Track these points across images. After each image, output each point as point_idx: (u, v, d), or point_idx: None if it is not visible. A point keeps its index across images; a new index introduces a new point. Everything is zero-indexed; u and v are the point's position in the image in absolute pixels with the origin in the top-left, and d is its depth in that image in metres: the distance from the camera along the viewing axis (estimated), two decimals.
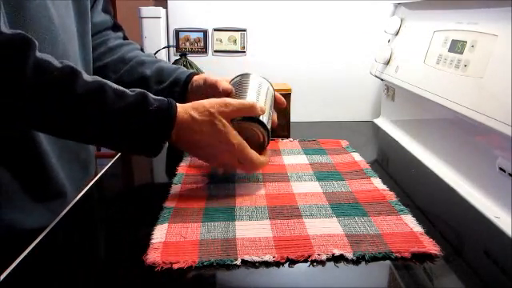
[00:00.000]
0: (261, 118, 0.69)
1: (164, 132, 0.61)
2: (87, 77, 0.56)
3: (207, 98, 0.68)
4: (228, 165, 0.68)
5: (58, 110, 0.55)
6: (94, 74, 0.83)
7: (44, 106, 0.54)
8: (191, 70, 0.84)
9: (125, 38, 0.90)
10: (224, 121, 0.63)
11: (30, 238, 0.56)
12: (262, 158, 0.68)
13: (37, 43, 0.54)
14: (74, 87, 0.54)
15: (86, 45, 0.76)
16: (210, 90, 0.78)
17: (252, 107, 0.67)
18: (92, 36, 0.81)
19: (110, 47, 0.85)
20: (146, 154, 0.63)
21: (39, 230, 0.58)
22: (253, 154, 0.66)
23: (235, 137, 0.64)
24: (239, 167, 0.69)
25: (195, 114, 0.62)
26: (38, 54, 0.53)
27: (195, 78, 0.81)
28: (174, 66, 0.85)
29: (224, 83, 0.78)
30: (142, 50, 0.90)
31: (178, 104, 0.62)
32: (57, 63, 0.55)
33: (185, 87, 0.80)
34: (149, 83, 0.81)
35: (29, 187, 0.64)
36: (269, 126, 0.70)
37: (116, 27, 0.89)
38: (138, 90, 0.60)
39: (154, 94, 0.78)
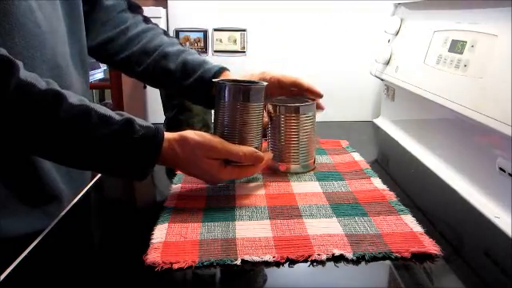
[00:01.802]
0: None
1: (149, 160, 0.59)
2: (73, 99, 0.54)
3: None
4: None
5: (40, 135, 0.53)
6: (118, 66, 0.82)
7: (27, 131, 0.53)
8: (219, 66, 0.79)
9: (145, 19, 0.86)
10: (208, 160, 0.62)
11: (26, 243, 0.55)
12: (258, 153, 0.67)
13: (20, 64, 0.52)
14: (57, 112, 0.53)
15: (80, 42, 0.74)
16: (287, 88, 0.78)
17: (240, 157, 0.64)
18: (107, 22, 0.79)
19: (130, 37, 0.81)
20: (132, 179, 0.61)
21: (35, 234, 0.58)
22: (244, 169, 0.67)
23: (220, 172, 0.64)
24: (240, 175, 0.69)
25: (179, 150, 0.60)
26: (22, 75, 0.52)
27: (226, 73, 0.78)
28: (200, 58, 0.81)
29: (301, 80, 0.77)
30: (165, 33, 0.85)
31: (165, 133, 0.60)
32: (41, 86, 0.53)
33: (210, 85, 0.76)
34: (173, 78, 0.79)
35: (23, 194, 0.63)
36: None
37: (133, 8, 0.85)
38: (126, 115, 0.58)
39: (180, 90, 0.78)
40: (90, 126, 0.55)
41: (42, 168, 0.64)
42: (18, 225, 0.61)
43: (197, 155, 0.61)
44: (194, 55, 0.81)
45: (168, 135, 0.61)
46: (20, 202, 0.63)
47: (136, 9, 0.86)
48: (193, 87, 0.78)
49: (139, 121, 0.59)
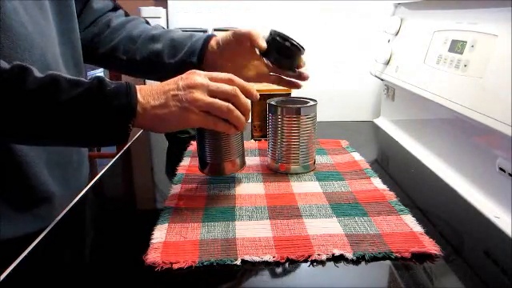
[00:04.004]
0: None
1: (126, 108, 0.55)
2: (39, 73, 0.53)
3: (237, 55, 0.71)
4: (210, 118, 0.59)
5: (11, 112, 0.52)
6: (103, 58, 0.80)
7: None
8: (207, 34, 0.78)
9: (126, 14, 0.86)
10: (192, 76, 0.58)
11: (17, 246, 0.54)
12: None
13: None
14: (24, 85, 0.51)
15: (72, 42, 0.73)
16: (243, 42, 0.75)
17: (229, 78, 0.60)
18: (93, 22, 0.79)
19: (114, 27, 0.81)
20: (113, 141, 0.57)
21: (26, 237, 0.57)
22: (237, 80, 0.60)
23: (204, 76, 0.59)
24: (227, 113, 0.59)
25: (155, 84, 0.58)
26: None
27: (213, 40, 0.77)
28: (187, 33, 0.80)
29: (260, 38, 0.74)
30: (147, 22, 0.86)
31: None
32: (5, 65, 0.52)
33: (201, 54, 0.76)
34: (162, 58, 0.77)
35: (10, 196, 0.62)
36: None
37: (115, 8, 0.86)
38: (95, 75, 0.56)
39: (169, 69, 0.76)
40: (60, 91, 0.53)
41: (30, 171, 0.63)
42: (10, 230, 0.61)
43: (176, 77, 0.58)
44: (179, 32, 0.81)
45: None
46: (8, 205, 0.62)
47: (117, 8, 0.87)
48: (183, 61, 0.76)
49: (108, 80, 0.57)
